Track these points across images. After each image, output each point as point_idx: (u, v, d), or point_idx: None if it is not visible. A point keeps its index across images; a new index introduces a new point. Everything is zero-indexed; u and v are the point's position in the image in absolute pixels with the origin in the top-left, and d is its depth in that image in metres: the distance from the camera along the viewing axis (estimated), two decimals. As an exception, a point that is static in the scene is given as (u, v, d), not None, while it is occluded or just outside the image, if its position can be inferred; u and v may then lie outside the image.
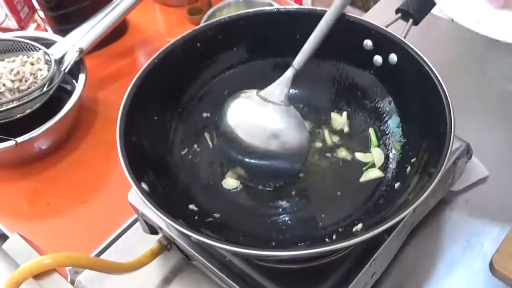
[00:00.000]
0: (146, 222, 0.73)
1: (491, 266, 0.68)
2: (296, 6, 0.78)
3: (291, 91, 0.73)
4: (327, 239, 0.64)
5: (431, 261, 0.74)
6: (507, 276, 0.67)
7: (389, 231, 0.65)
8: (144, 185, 0.60)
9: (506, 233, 0.70)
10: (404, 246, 0.74)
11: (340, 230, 0.65)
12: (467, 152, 0.76)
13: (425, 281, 0.72)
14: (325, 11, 0.73)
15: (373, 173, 0.72)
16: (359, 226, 0.64)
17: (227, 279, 0.64)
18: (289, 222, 0.68)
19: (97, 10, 1.00)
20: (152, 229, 0.74)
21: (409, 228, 0.71)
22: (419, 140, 0.68)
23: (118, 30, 1.13)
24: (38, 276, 0.62)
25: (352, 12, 0.73)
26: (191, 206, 0.69)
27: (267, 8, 0.75)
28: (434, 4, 0.72)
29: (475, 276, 0.72)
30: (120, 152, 0.60)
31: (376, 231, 0.52)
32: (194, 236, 0.54)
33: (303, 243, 0.65)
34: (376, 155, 0.73)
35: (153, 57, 0.70)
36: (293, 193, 0.71)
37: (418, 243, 0.75)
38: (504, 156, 0.84)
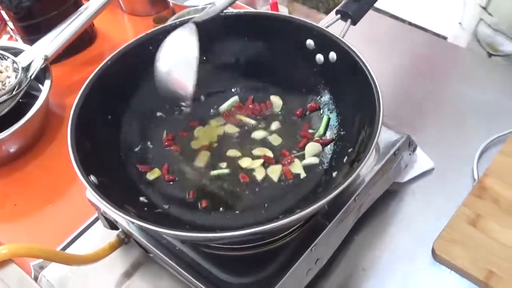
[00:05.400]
0: (106, 218, 0.76)
1: (433, 251, 0.72)
2: (243, 10, 0.82)
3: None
4: (267, 224, 0.67)
5: (378, 249, 0.77)
6: (447, 260, 0.71)
7: (329, 218, 0.68)
8: (92, 178, 0.63)
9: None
10: (352, 235, 0.77)
11: (281, 217, 0.68)
12: (410, 144, 0.79)
13: (372, 268, 0.75)
14: (276, 15, 0.77)
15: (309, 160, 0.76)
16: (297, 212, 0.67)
17: (177, 267, 0.67)
18: (236, 212, 0.71)
19: (64, 20, 1.04)
20: (112, 225, 0.77)
21: (355, 217, 0.74)
22: (356, 131, 0.71)
23: (87, 39, 1.17)
24: (-4, 266, 0.66)
25: (318, 18, 0.77)
26: (142, 199, 0.72)
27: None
28: (370, 7, 0.76)
29: (419, 262, 0.75)
30: (70, 147, 0.64)
31: (303, 212, 0.56)
32: (137, 222, 0.57)
33: (245, 230, 0.68)
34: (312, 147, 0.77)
35: (107, 59, 0.74)
36: (238, 186, 0.74)
37: (366, 233, 0.79)
38: (449, 148, 0.88)
